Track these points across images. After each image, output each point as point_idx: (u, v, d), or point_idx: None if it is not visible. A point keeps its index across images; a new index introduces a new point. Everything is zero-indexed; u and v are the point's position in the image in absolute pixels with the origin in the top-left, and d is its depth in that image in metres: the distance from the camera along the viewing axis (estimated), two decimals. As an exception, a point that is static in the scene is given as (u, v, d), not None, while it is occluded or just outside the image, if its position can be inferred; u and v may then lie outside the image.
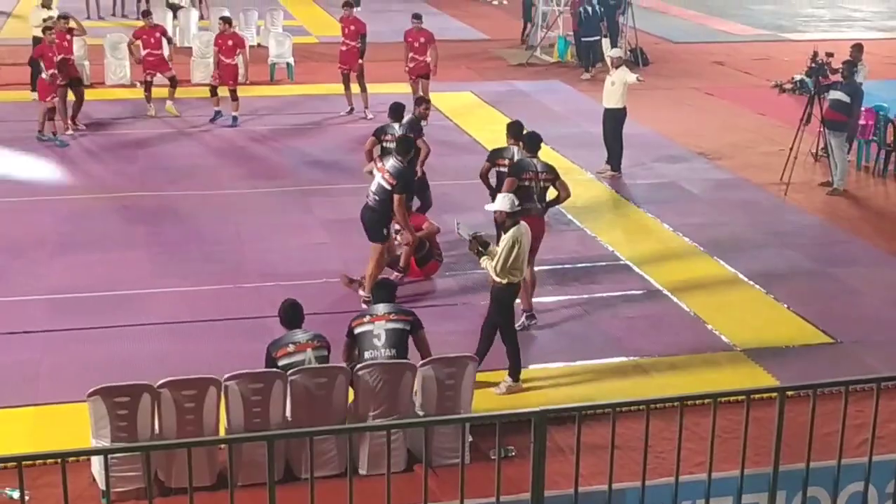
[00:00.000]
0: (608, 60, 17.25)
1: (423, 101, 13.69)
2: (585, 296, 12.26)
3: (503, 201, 10.05)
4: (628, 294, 12.39)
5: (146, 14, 20.42)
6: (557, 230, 14.17)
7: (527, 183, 11.31)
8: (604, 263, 13.22)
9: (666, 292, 12.38)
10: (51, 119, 17.55)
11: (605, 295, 12.32)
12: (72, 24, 18.96)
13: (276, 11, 27.22)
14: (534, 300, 11.65)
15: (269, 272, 12.55)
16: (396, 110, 13.28)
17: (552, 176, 11.62)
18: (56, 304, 11.60)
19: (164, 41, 19.53)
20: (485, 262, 9.95)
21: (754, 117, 21.04)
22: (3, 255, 12.91)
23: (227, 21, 19.66)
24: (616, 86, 16.40)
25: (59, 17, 19.01)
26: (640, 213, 15.17)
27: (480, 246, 9.98)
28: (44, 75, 17.40)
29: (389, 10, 31.46)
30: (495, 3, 36.92)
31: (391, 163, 11.57)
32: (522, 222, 10.08)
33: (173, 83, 19.37)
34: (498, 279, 9.89)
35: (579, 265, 13.16)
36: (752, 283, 12.71)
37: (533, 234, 11.33)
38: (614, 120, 16.57)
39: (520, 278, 10.09)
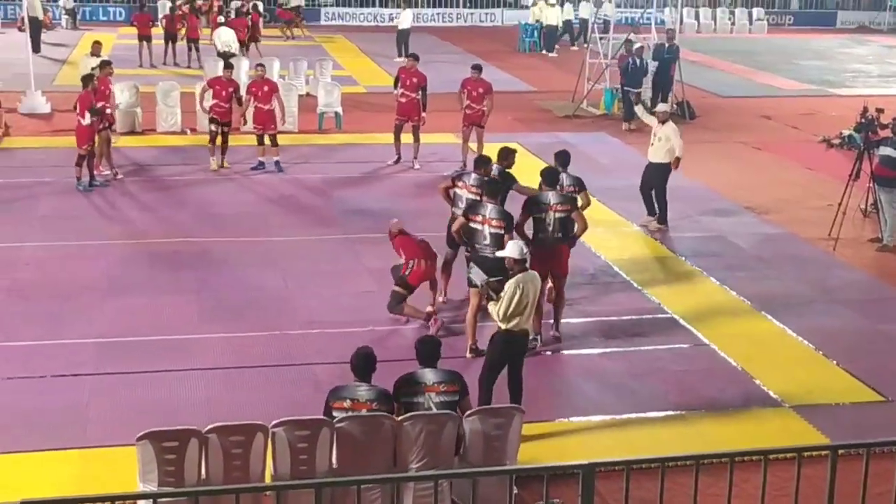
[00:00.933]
0: (648, 119, 17.27)
1: (510, 154, 13.75)
2: (632, 349, 12.21)
3: (513, 248, 10.19)
4: (674, 348, 12.33)
5: (228, 65, 20.60)
6: (603, 283, 14.18)
7: (539, 216, 12.00)
8: (650, 317, 13.17)
9: (713, 346, 12.30)
10: (78, 165, 17.82)
11: (651, 348, 12.27)
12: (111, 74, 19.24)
13: (325, 61, 27.63)
14: (579, 351, 11.84)
15: (315, 319, 12.62)
16: (482, 162, 13.33)
17: (568, 206, 12.02)
18: (105, 348, 11.71)
19: (234, 98, 19.58)
20: (492, 307, 10.04)
21: (802, 172, 20.95)
22: (54, 299, 13.07)
23: (261, 67, 20.26)
24: (663, 141, 16.35)
25: (102, 64, 19.26)
26: (686, 266, 15.11)
27: (492, 291, 10.10)
28: (83, 121, 17.62)
29: (438, 61, 31.74)
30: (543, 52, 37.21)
31: (490, 209, 11.65)
32: (531, 270, 10.22)
33: (225, 139, 19.51)
34: (500, 324, 9.94)
35: (625, 318, 13.10)
36: (800, 338, 12.61)
37: (547, 261, 11.80)
38: (659, 175, 16.51)
39: (522, 326, 10.04)
